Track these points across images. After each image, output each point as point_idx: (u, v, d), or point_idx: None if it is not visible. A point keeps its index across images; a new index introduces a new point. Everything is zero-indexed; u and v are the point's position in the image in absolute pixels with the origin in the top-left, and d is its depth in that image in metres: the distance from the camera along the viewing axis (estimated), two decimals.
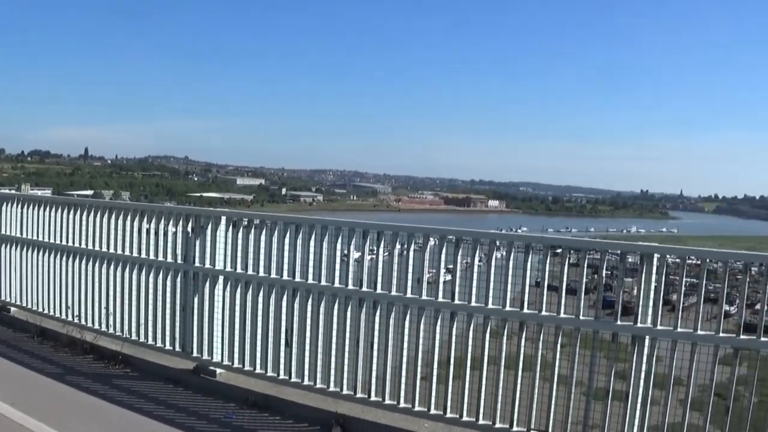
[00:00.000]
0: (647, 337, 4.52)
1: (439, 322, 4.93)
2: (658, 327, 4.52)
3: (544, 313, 4.72)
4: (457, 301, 4.89)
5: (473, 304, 4.85)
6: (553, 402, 4.69)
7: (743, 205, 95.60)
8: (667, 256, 4.67)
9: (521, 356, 4.76)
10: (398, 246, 5.08)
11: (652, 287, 4.53)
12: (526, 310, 4.77)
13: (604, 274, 4.70)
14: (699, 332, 4.45)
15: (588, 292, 4.78)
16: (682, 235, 74.13)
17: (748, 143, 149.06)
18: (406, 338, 5.00)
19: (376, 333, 5.08)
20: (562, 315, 4.68)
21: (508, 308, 4.79)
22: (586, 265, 4.68)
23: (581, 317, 4.66)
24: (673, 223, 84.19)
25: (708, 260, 4.64)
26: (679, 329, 4.47)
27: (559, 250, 4.82)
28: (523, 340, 4.78)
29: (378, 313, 5.08)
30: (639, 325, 4.55)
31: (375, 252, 5.11)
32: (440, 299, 4.94)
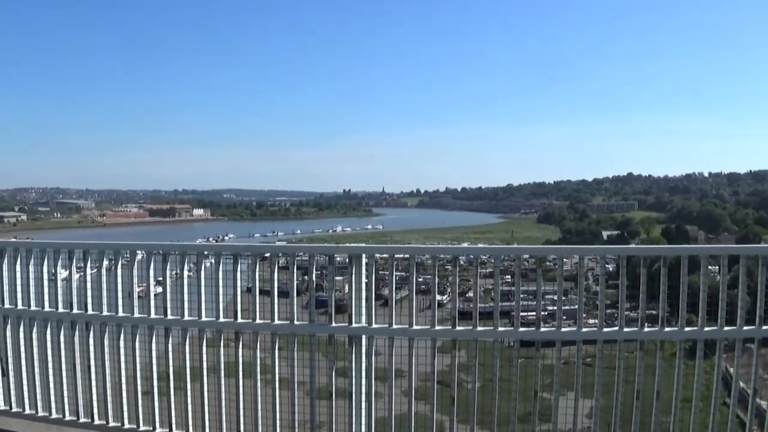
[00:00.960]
0: (363, 336, 4.52)
1: (154, 338, 4.73)
2: (374, 325, 4.53)
3: (258, 321, 4.61)
4: (170, 316, 4.71)
5: (186, 318, 4.67)
6: (278, 406, 4.63)
7: (445, 197, 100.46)
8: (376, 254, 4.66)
9: (240, 365, 4.67)
10: (106, 262, 4.81)
11: (363, 286, 4.51)
12: (240, 320, 4.65)
13: (314, 276, 4.62)
14: (415, 327, 4.49)
15: (300, 293, 4.67)
16: (387, 231, 77.39)
17: (446, 139, 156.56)
18: (123, 357, 4.79)
19: (92, 354, 4.83)
20: (276, 321, 4.59)
21: (222, 319, 4.66)
22: (296, 268, 4.60)
23: (296, 322, 4.58)
24: (377, 219, 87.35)
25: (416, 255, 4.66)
26: (394, 326, 4.50)
27: (267, 255, 4.70)
28: (240, 349, 4.67)
29: (92, 335, 4.82)
30: (354, 325, 4.51)
31: (83, 271, 4.83)
32: (153, 315, 4.74)
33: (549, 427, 4.64)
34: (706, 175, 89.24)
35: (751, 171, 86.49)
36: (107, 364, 4.81)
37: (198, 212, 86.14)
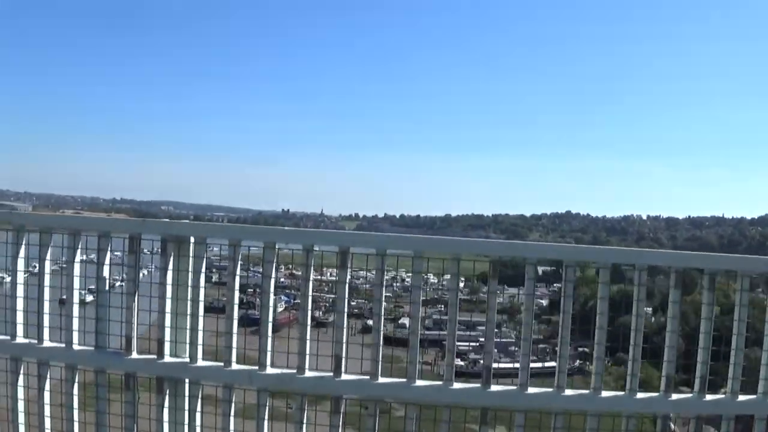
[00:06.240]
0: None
1: None
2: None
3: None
4: None
5: None
6: None
7: (384, 224, 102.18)
8: None
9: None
10: None
11: None
12: None
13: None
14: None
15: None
16: (324, 251, 79.18)
17: (387, 166, 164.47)
18: None
19: None
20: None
21: None
22: None
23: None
24: None
25: None
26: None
27: None
28: None
29: None
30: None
31: None
32: None
33: None
34: (645, 217, 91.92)
35: (689, 217, 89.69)
36: None
37: None
